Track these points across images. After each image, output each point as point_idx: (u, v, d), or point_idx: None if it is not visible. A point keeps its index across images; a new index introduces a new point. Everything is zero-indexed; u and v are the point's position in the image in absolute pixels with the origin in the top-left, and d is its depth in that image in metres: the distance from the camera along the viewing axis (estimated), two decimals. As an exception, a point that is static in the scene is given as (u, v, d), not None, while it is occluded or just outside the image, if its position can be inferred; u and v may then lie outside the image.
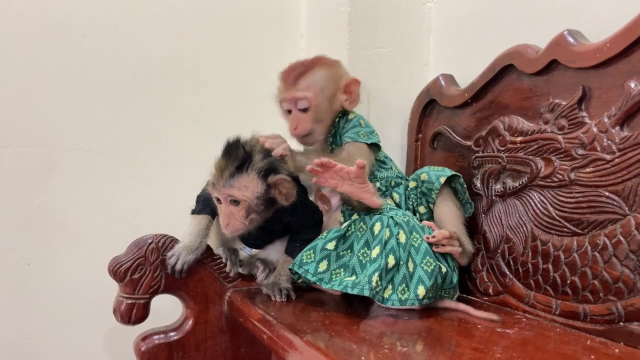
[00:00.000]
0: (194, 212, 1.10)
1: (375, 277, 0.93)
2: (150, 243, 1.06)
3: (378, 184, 1.15)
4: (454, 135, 1.22)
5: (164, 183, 1.41)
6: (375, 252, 0.97)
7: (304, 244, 1.09)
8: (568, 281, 0.92)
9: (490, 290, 1.08)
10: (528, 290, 1.00)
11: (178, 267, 1.06)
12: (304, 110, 1.17)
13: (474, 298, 1.11)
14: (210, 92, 1.46)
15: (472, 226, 1.12)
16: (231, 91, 1.48)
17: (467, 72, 1.28)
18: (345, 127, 1.19)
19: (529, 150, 1.02)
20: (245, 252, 1.22)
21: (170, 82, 1.41)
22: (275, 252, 1.19)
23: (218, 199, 1.04)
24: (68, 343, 1.34)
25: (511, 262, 1.04)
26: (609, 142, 0.87)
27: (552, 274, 0.95)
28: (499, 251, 1.07)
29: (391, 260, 0.96)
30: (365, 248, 0.99)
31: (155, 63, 1.40)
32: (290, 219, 1.10)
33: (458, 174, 1.09)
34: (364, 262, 0.98)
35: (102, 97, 1.35)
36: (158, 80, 1.40)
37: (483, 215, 1.11)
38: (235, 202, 1.02)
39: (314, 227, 1.14)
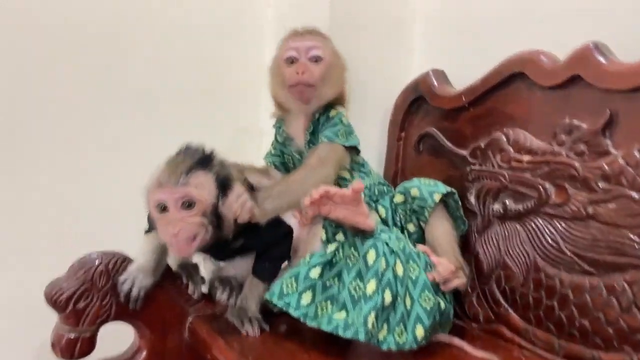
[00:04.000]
0: (148, 230, 0.93)
1: (371, 318, 0.82)
2: (99, 265, 0.89)
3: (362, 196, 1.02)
4: (445, 140, 1.10)
5: (104, 173, 1.21)
6: (371, 287, 0.85)
7: (275, 262, 0.97)
8: (577, 323, 0.85)
9: (480, 317, 1.00)
10: (527, 324, 0.93)
11: (134, 294, 0.89)
12: (317, 59, 1.02)
13: (461, 322, 1.03)
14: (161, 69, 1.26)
15: (464, 244, 1.02)
16: (184, 73, 1.29)
17: (459, 67, 1.17)
18: (325, 124, 1.05)
19: (538, 172, 0.92)
20: (210, 264, 1.06)
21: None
22: (234, 268, 1.04)
23: (162, 208, 0.83)
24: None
25: (507, 291, 0.96)
26: (640, 178, 0.78)
27: (557, 312, 0.88)
28: (494, 276, 0.99)
29: (388, 297, 0.84)
30: (358, 280, 0.87)
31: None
32: (247, 241, 0.94)
33: (453, 190, 0.98)
34: (356, 297, 0.86)
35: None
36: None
37: (477, 235, 1.02)
38: (189, 205, 0.83)
39: (283, 241, 0.99)
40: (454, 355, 0.89)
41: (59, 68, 1.15)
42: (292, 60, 1.02)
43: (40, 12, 1.11)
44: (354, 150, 1.05)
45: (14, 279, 1.13)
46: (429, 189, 0.98)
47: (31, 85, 1.12)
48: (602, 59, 0.83)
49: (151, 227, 0.93)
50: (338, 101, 1.07)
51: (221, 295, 0.99)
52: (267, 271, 0.97)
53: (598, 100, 0.84)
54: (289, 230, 1.00)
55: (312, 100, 1.03)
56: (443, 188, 0.98)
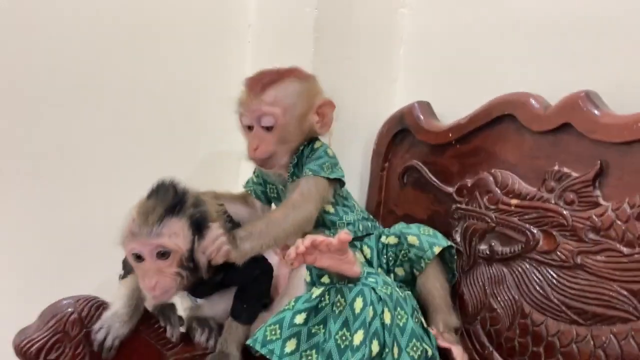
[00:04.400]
0: (123, 276, 0.89)
1: (358, 371, 0.80)
2: (72, 313, 0.84)
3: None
4: (430, 175, 1.08)
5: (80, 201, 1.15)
6: (359, 337, 0.82)
7: (253, 304, 0.95)
8: (564, 372, 0.85)
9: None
10: (511, 369, 0.92)
11: (107, 343, 0.85)
12: (268, 128, 0.97)
13: (445, 362, 1.02)
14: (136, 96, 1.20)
15: (447, 282, 1.01)
16: (161, 96, 1.24)
17: (443, 98, 1.16)
18: (310, 156, 1.02)
19: (526, 217, 0.91)
20: (187, 300, 1.02)
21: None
22: (212, 307, 1.00)
23: (137, 256, 0.82)
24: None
25: (493, 334, 0.95)
26: (630, 234, 0.78)
27: (544, 359, 0.88)
28: (479, 318, 0.98)
29: (375, 347, 0.82)
30: (345, 330, 0.84)
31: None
32: (226, 277, 0.91)
33: (452, 244, 0.97)
34: (342, 347, 0.83)
35: None
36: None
37: (462, 274, 1.01)
38: (164, 254, 0.81)
39: (260, 280, 0.96)
40: (439, 402, 0.88)
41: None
42: (249, 127, 0.99)
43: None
44: (338, 182, 1.02)
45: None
46: (428, 239, 0.96)
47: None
48: (593, 110, 0.83)
49: (126, 272, 0.89)
50: (313, 135, 1.03)
51: (200, 338, 0.96)
52: (245, 313, 0.94)
53: (589, 150, 0.84)
54: (268, 269, 0.98)
55: (275, 164, 1.00)
56: (443, 241, 0.97)
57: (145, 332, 0.92)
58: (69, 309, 0.84)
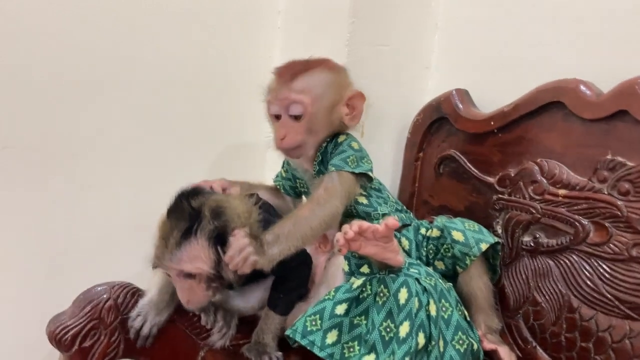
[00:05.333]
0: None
1: (405, 364, 0.77)
2: (107, 300, 0.82)
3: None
4: (469, 165, 1.05)
5: (107, 187, 1.13)
6: (404, 329, 0.79)
7: (290, 294, 0.92)
8: (615, 368, 0.82)
9: (505, 353, 0.96)
10: (557, 364, 0.89)
11: (145, 331, 0.82)
12: (297, 117, 0.93)
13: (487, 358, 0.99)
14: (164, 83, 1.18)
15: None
16: (188, 85, 1.21)
17: (478, 86, 1.12)
18: (334, 152, 0.97)
19: (575, 208, 0.88)
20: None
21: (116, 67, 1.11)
22: (243, 298, 0.97)
23: (168, 274, 0.81)
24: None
25: (537, 328, 0.92)
26: (693, 226, 0.75)
27: (593, 355, 0.85)
28: (521, 312, 0.95)
29: (421, 340, 0.79)
30: (389, 321, 0.81)
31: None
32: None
33: (498, 240, 0.93)
34: (387, 338, 0.80)
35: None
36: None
37: (503, 267, 0.98)
38: (190, 275, 0.79)
39: (297, 271, 0.93)
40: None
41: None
42: (276, 116, 0.95)
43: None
44: (365, 176, 0.98)
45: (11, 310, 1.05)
46: (474, 235, 0.92)
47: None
48: (652, 95, 0.79)
49: None
50: (342, 128, 0.99)
51: (207, 319, 0.92)
52: (282, 303, 0.92)
53: (646, 137, 0.80)
54: (307, 259, 0.95)
55: (303, 153, 0.97)
56: (490, 237, 0.93)
57: (179, 321, 0.89)
58: (104, 295, 0.82)
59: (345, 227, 0.78)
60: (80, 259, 1.08)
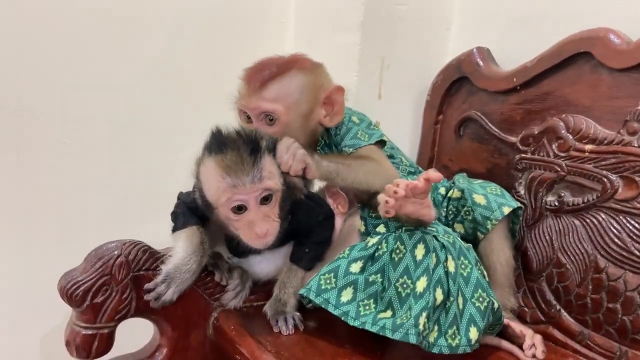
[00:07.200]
0: (176, 228, 0.85)
1: (422, 319, 0.74)
2: (118, 256, 0.80)
3: None
4: (490, 125, 1.01)
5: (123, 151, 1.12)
6: (422, 284, 0.77)
7: (316, 248, 0.90)
8: (644, 329, 0.78)
9: (527, 318, 0.92)
10: (582, 327, 0.85)
11: (168, 297, 0.81)
12: (270, 122, 0.88)
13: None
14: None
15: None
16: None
17: (502, 45, 1.08)
18: (339, 134, 0.93)
19: (603, 163, 0.84)
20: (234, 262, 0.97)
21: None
22: (264, 263, 0.94)
23: (239, 207, 0.77)
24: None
25: (561, 291, 0.89)
26: None
27: (620, 316, 0.81)
28: (544, 275, 0.91)
29: (439, 296, 0.76)
30: (406, 277, 0.78)
31: None
32: (293, 217, 0.86)
33: (520, 205, 0.90)
34: (403, 294, 0.78)
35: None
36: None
37: (526, 229, 0.94)
38: (267, 199, 0.78)
39: (324, 225, 0.91)
40: (502, 358, 0.82)
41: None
42: (248, 121, 0.90)
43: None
44: (380, 143, 0.95)
45: (20, 266, 1.05)
46: (497, 199, 0.89)
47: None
48: (687, 39, 0.75)
49: (179, 223, 0.84)
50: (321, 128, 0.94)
51: (221, 275, 0.90)
52: (306, 257, 0.89)
53: (680, 85, 0.76)
54: (331, 214, 0.92)
55: None
56: (512, 201, 0.89)
57: (195, 282, 0.87)
58: (115, 252, 0.80)
59: (390, 187, 0.75)
60: (93, 222, 1.08)
